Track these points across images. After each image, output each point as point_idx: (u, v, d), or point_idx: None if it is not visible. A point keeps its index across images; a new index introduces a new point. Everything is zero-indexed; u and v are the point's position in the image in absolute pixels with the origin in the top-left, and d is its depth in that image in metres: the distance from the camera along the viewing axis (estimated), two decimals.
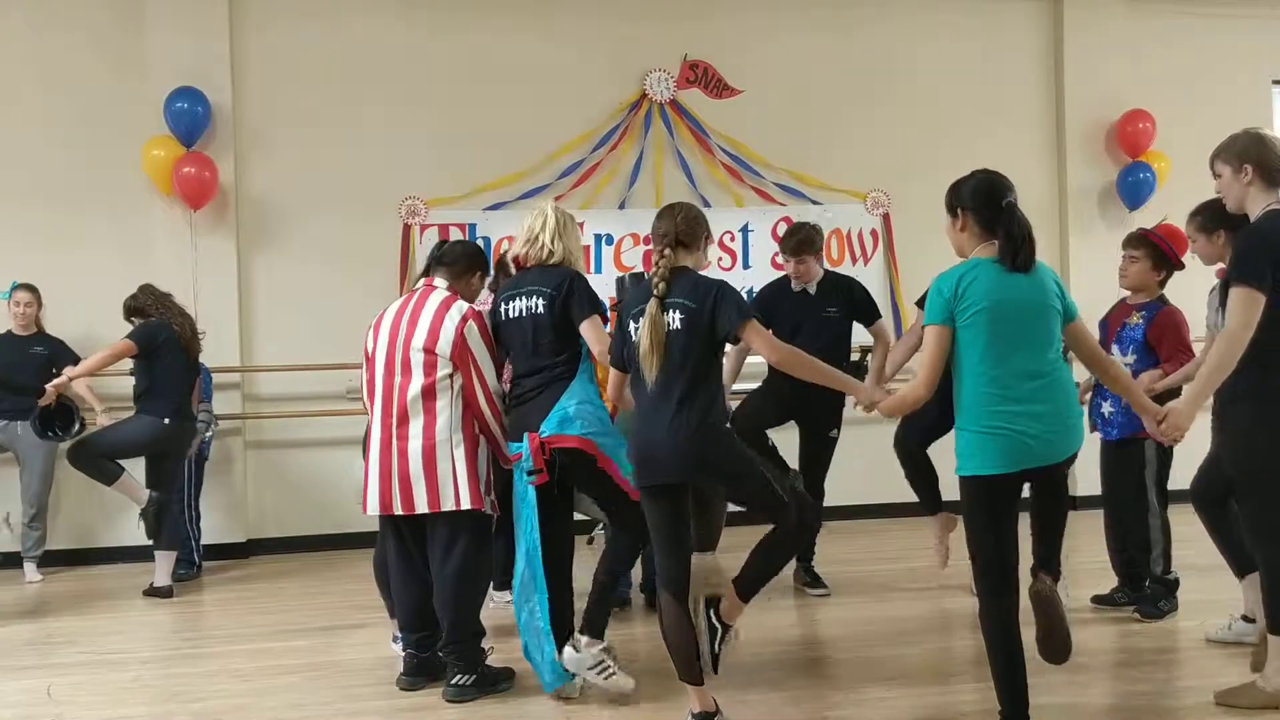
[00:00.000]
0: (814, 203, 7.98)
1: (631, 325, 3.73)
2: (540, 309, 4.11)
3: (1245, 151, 3.69)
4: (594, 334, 4.10)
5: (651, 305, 3.64)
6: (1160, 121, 8.22)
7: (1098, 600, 5.23)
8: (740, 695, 4.02)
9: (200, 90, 7.17)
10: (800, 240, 5.55)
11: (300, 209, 7.51)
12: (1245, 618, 4.54)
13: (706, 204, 7.95)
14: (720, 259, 7.98)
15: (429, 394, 4.10)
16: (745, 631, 5.12)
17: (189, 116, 7.12)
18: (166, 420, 6.13)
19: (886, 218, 8.21)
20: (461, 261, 4.42)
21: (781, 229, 5.53)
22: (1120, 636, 4.79)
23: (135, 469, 6.23)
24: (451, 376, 4.12)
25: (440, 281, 4.32)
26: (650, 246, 5.41)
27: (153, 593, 6.16)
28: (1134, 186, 8.27)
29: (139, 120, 7.19)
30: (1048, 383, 3.34)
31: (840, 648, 4.72)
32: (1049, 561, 3.54)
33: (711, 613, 3.74)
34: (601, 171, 7.88)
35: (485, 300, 5.21)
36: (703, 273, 3.80)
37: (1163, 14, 8.50)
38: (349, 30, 7.61)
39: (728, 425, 3.77)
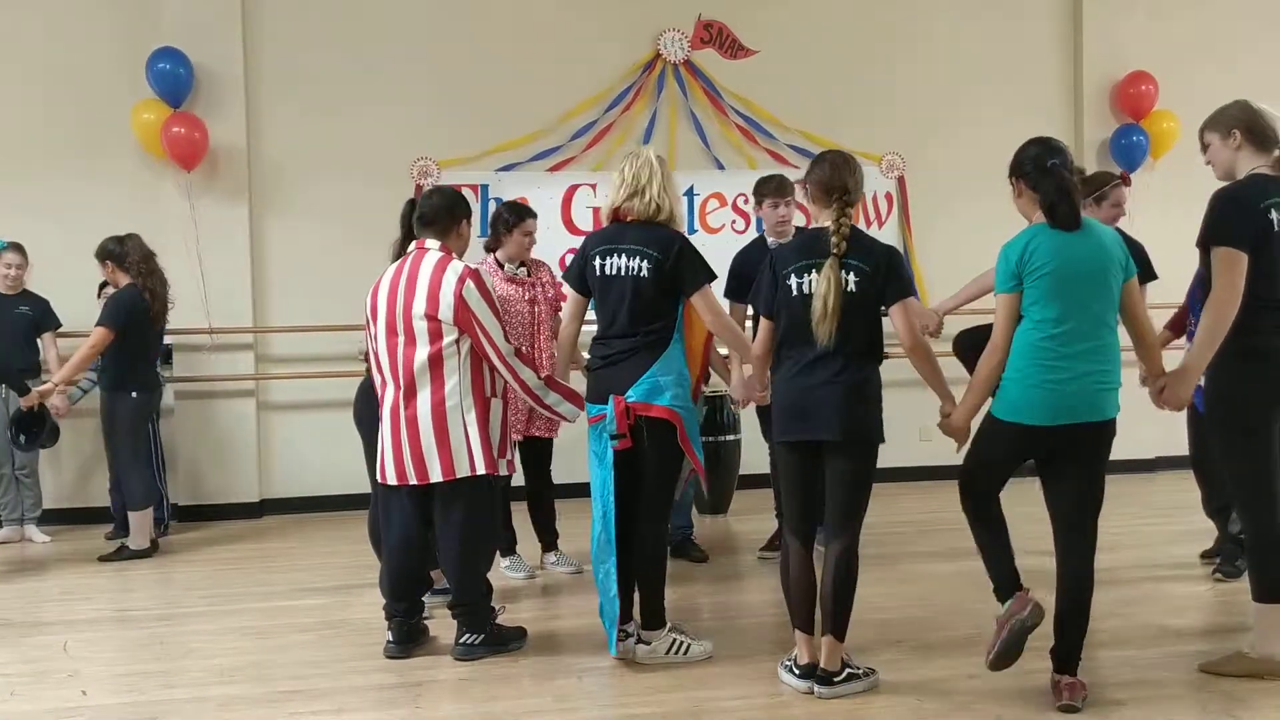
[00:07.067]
0: None
1: (793, 280, 3.58)
2: (644, 272, 3.90)
3: (1233, 118, 3.70)
4: (706, 305, 3.97)
5: (832, 265, 3.51)
6: (1173, 84, 8.07)
7: (1206, 555, 5.35)
8: (751, 651, 4.06)
9: (181, 50, 7.05)
10: (779, 182, 5.38)
11: (313, 170, 7.47)
12: None
13: (720, 166, 7.91)
14: (733, 221, 7.94)
15: (435, 361, 4.04)
16: (758, 594, 5.17)
17: (171, 78, 7.03)
18: (134, 395, 6.17)
19: (901, 180, 8.14)
20: (444, 217, 4.21)
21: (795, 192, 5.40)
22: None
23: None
24: (458, 341, 4.04)
25: (431, 242, 4.17)
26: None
27: (127, 555, 6.07)
28: (1127, 149, 8.17)
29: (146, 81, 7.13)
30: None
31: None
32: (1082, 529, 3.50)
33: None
34: (615, 133, 7.81)
35: (486, 261, 5.16)
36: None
37: None
38: None
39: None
